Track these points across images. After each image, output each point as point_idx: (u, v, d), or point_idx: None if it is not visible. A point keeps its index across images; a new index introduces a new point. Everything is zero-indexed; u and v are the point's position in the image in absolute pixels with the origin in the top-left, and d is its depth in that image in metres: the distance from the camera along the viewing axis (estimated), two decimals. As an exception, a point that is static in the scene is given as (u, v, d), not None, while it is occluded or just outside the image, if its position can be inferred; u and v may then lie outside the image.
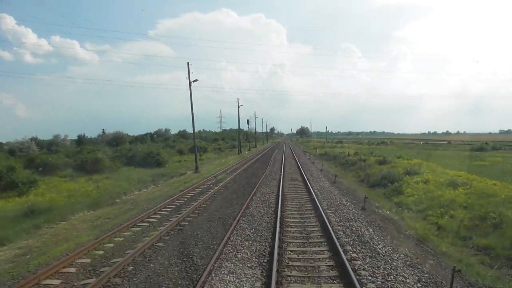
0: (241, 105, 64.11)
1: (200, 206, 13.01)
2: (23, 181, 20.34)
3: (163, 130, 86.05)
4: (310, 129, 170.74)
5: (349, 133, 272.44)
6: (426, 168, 21.94)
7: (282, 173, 21.53)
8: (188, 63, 27.04)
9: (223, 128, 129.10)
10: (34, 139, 50.43)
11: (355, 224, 9.97)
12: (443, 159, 29.98)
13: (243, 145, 73.29)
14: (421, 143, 73.04)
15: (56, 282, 6.64)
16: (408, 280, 6.28)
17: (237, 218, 10.72)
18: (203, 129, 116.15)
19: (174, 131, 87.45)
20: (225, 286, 6.10)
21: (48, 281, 6.66)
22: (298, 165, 27.06)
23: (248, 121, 70.38)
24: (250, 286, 6.10)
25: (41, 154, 34.53)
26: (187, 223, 10.61)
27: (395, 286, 6.04)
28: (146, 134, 79.81)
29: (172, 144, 57.32)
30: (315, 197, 13.26)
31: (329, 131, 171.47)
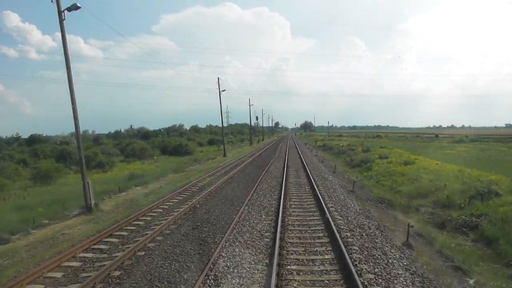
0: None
1: (239, 170, 22.06)
2: (106, 162, 29.60)
3: (177, 125, 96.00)
4: (313, 124, 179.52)
5: (354, 127, 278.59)
6: (394, 154, 30.64)
7: (286, 156, 30.49)
8: (218, 78, 36.15)
9: (228, 123, 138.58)
10: (73, 134, 59.71)
11: (325, 176, 18.97)
12: (421, 149, 38.27)
13: (252, 138, 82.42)
14: (411, 136, 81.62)
15: (186, 192, 15.66)
16: (340, 191, 15.21)
17: (262, 175, 19.70)
18: (211, 124, 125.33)
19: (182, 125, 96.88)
20: (265, 187, 15.12)
21: (181, 190, 15.69)
22: (298, 152, 36.07)
23: (257, 117, 79.30)
24: (275, 196, 15.03)
25: (105, 145, 44.16)
26: (237, 176, 19.69)
27: (334, 194, 14.92)
28: (160, 129, 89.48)
29: (190, 137, 66.57)
30: (306, 167, 22.22)
31: (334, 125, 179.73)
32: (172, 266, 6.85)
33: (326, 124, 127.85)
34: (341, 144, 48.12)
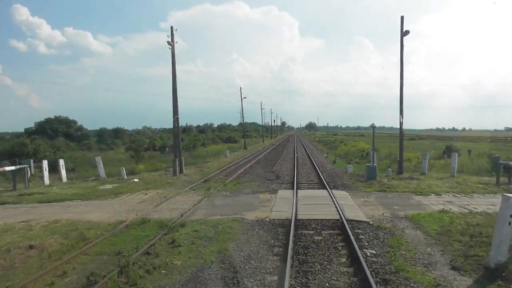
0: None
1: (272, 148, 49.28)
2: (201, 143, 56.97)
3: (208, 124, 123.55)
4: (317, 124, 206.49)
5: (358, 128, 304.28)
6: (351, 143, 57.80)
7: (295, 144, 57.65)
8: (240, 88, 63.51)
9: (239, 122, 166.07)
10: (149, 128, 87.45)
11: (313, 150, 46.22)
12: (377, 143, 65.31)
13: (265, 135, 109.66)
14: (396, 136, 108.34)
15: (256, 153, 42.82)
16: (317, 153, 42.32)
17: (284, 151, 46.85)
18: (224, 122, 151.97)
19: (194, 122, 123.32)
20: (289, 148, 42.39)
21: (253, 154, 42.94)
22: (302, 142, 63.30)
23: (274, 121, 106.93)
24: (292, 152, 42.09)
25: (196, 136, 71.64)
26: (274, 148, 46.93)
27: (315, 153, 41.92)
28: (191, 125, 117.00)
29: (223, 133, 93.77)
30: (306, 148, 49.43)
31: (339, 126, 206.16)
32: (258, 171, 34.00)
33: (330, 124, 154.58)
34: (330, 139, 75.24)
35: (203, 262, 6.84)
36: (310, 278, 6.14)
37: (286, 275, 5.89)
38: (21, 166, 15.79)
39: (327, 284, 5.92)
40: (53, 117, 70.09)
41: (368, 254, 7.27)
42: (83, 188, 16.40)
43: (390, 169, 20.02)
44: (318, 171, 21.76)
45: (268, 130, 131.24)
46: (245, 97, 66.18)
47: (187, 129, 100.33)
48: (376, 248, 7.65)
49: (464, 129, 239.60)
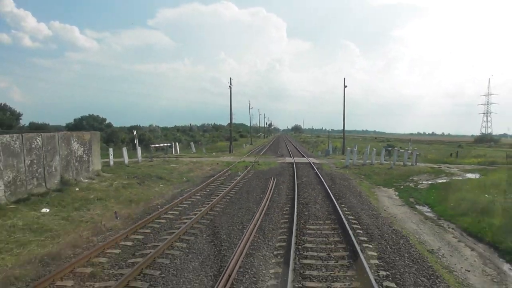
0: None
1: (267, 147, 68.14)
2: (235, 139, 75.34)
3: (206, 124, 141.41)
4: (302, 126, 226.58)
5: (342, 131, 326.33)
6: (334, 143, 77.48)
7: (285, 143, 76.68)
8: (249, 101, 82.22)
9: (228, 123, 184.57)
10: (158, 126, 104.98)
11: (298, 146, 65.40)
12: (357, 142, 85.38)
13: (254, 136, 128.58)
14: (370, 138, 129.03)
15: (261, 145, 61.74)
16: (300, 145, 61.48)
17: (279, 148, 65.80)
18: (214, 123, 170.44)
19: (173, 123, 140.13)
20: (282, 146, 61.44)
21: (261, 145, 61.85)
22: (290, 142, 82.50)
23: (269, 125, 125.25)
24: (285, 146, 61.03)
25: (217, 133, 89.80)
26: (268, 148, 65.82)
27: (298, 147, 61.04)
28: (194, 125, 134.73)
29: (223, 133, 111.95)
30: (293, 144, 68.51)
31: (324, 128, 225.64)
32: (271, 153, 52.88)
33: (315, 127, 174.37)
34: (313, 140, 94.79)
35: (269, 168, 25.58)
36: (299, 173, 24.89)
37: (295, 172, 24.64)
38: (169, 144, 34.34)
39: (306, 176, 24.74)
40: (87, 115, 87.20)
41: (316, 167, 26.11)
42: (201, 154, 35.03)
43: (337, 151, 39.22)
44: (303, 154, 40.71)
45: (257, 131, 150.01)
46: (252, 107, 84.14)
47: (191, 129, 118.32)
48: (318, 166, 26.55)
49: (443, 134, 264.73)
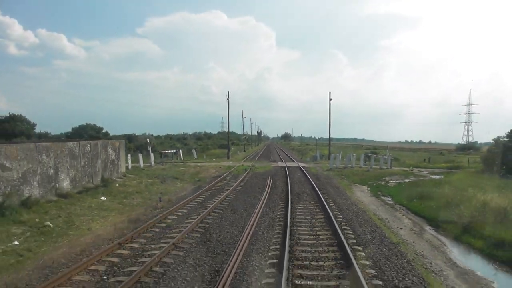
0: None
1: (259, 154, 72.81)
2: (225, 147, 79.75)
3: (198, 132, 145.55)
4: (292, 134, 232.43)
5: (331, 139, 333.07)
6: (322, 150, 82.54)
7: (276, 150, 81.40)
8: (242, 110, 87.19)
9: (218, 131, 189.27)
10: (152, 135, 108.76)
11: (287, 152, 70.19)
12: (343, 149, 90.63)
13: (246, 144, 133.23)
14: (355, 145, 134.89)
15: (253, 153, 66.38)
16: (290, 152, 66.33)
17: (272, 155, 70.47)
18: (205, 131, 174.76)
19: (164, 132, 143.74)
20: (274, 153, 66.20)
21: (254, 152, 66.52)
22: (281, 149, 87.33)
23: (259, 133, 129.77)
24: (276, 153, 65.77)
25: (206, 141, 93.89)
26: (261, 154, 70.51)
27: (287, 152, 65.85)
28: (187, 134, 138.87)
29: (215, 141, 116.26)
30: (284, 151, 73.26)
31: (313, 136, 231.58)
32: (264, 158, 57.55)
33: (305, 135, 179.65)
34: (302, 148, 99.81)
35: (265, 171, 30.07)
36: (291, 175, 29.44)
37: (287, 173, 29.17)
38: (175, 150, 38.57)
39: (296, 176, 29.27)
40: (85, 124, 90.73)
41: (304, 170, 30.68)
42: (202, 160, 39.34)
43: (324, 157, 44.02)
44: (293, 159, 45.36)
45: (249, 140, 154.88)
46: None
47: (185, 137, 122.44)
48: (306, 169, 31.15)
49: (430, 142, 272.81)
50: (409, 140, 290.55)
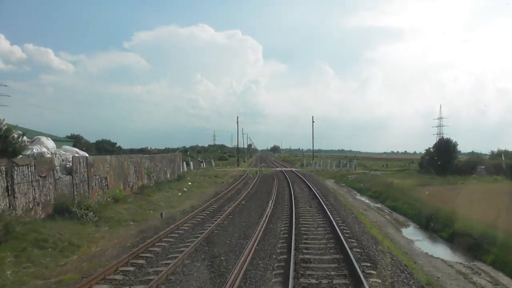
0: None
1: (259, 163, 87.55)
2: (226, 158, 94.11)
3: (195, 145, 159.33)
4: (281, 147, 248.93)
5: (319, 151, 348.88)
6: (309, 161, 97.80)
7: (271, 161, 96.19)
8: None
9: (209, 144, 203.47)
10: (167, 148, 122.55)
11: (278, 161, 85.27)
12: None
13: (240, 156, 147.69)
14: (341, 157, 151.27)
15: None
16: (281, 163, 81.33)
17: (269, 163, 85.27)
18: (197, 144, 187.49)
19: (153, 145, 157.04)
20: (268, 165, 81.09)
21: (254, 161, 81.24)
22: (271, 160, 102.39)
23: (249, 145, 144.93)
24: (272, 162, 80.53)
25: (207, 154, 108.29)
26: (260, 163, 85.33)
27: (276, 162, 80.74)
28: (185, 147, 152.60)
29: (213, 154, 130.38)
30: (277, 161, 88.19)
31: (301, 148, 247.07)
32: (262, 162, 72.31)
33: (293, 147, 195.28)
34: (292, 159, 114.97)
35: (270, 172, 44.77)
36: (288, 174, 44.15)
37: (285, 173, 43.81)
38: (201, 160, 52.99)
39: (291, 174, 44.04)
40: (101, 139, 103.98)
41: (299, 174, 45.41)
42: (220, 167, 53.96)
43: (309, 165, 59.16)
44: (286, 166, 60.35)
45: (240, 153, 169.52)
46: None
47: (186, 150, 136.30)
48: (301, 173, 45.95)
49: (415, 153, 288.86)
50: (395, 151, 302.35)
